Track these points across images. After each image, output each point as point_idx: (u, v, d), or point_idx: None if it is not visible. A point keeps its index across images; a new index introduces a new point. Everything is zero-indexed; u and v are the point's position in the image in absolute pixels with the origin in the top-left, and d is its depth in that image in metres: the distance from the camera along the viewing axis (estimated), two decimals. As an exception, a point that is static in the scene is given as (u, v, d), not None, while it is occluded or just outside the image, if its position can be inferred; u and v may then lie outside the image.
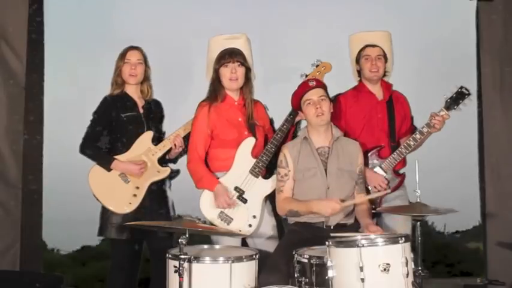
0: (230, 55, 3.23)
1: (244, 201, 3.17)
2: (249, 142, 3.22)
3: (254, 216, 3.17)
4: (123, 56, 3.36)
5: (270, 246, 3.10)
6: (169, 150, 3.37)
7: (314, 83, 3.09)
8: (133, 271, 3.40)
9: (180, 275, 2.45)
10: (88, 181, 3.26)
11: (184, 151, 3.36)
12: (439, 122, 3.25)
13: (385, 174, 3.32)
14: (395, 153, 3.32)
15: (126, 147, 3.31)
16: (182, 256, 2.46)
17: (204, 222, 3.08)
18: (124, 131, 3.32)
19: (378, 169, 3.33)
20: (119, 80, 3.36)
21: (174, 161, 3.43)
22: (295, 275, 2.64)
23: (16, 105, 3.83)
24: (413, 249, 2.59)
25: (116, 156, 3.27)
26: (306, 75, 3.36)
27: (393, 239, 2.48)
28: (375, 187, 3.28)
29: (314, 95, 3.05)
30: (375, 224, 3.03)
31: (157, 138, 3.39)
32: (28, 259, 3.84)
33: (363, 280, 2.37)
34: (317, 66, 3.40)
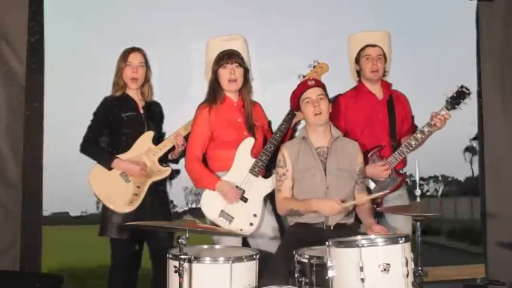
0: (229, 56, 3.24)
1: (245, 200, 3.17)
2: (249, 142, 3.22)
3: (255, 215, 3.17)
4: (125, 58, 3.35)
5: (272, 247, 3.10)
6: (170, 150, 3.38)
7: (313, 82, 3.10)
8: (134, 271, 3.40)
9: (180, 275, 2.44)
10: (89, 180, 3.27)
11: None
12: (440, 121, 3.25)
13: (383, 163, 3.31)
14: (396, 153, 3.32)
15: (126, 147, 3.31)
16: (182, 256, 2.45)
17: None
18: (124, 131, 3.32)
19: (376, 161, 3.32)
20: (120, 82, 3.36)
21: (176, 161, 3.43)
22: (295, 275, 2.64)
23: (16, 105, 3.82)
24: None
25: (116, 156, 3.27)
26: (303, 76, 3.36)
27: (393, 239, 2.47)
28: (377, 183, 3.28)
29: (313, 93, 3.05)
30: (377, 223, 3.03)
31: (158, 139, 3.39)
32: (28, 259, 3.83)
33: (363, 280, 2.37)
34: (314, 67, 3.40)
